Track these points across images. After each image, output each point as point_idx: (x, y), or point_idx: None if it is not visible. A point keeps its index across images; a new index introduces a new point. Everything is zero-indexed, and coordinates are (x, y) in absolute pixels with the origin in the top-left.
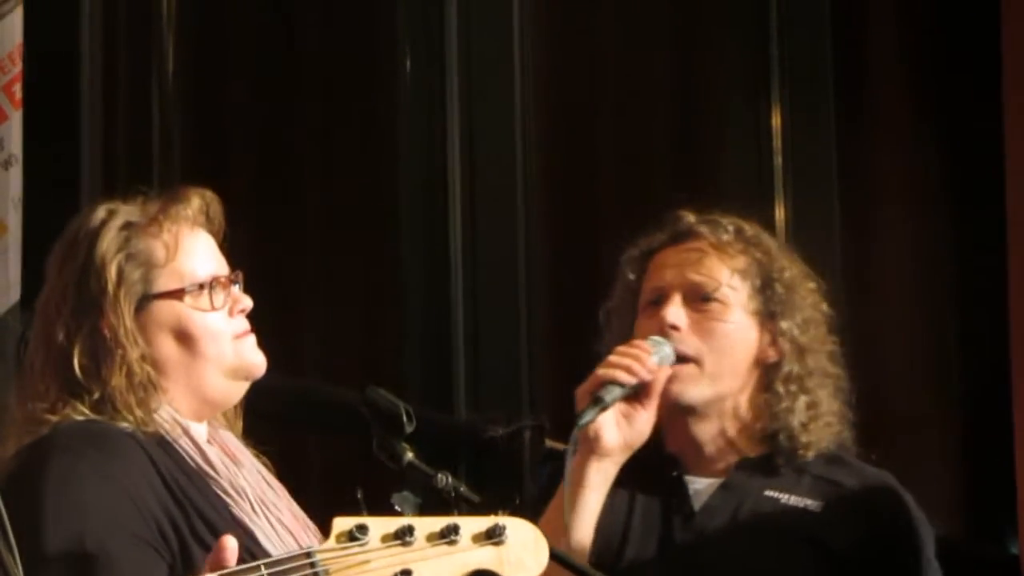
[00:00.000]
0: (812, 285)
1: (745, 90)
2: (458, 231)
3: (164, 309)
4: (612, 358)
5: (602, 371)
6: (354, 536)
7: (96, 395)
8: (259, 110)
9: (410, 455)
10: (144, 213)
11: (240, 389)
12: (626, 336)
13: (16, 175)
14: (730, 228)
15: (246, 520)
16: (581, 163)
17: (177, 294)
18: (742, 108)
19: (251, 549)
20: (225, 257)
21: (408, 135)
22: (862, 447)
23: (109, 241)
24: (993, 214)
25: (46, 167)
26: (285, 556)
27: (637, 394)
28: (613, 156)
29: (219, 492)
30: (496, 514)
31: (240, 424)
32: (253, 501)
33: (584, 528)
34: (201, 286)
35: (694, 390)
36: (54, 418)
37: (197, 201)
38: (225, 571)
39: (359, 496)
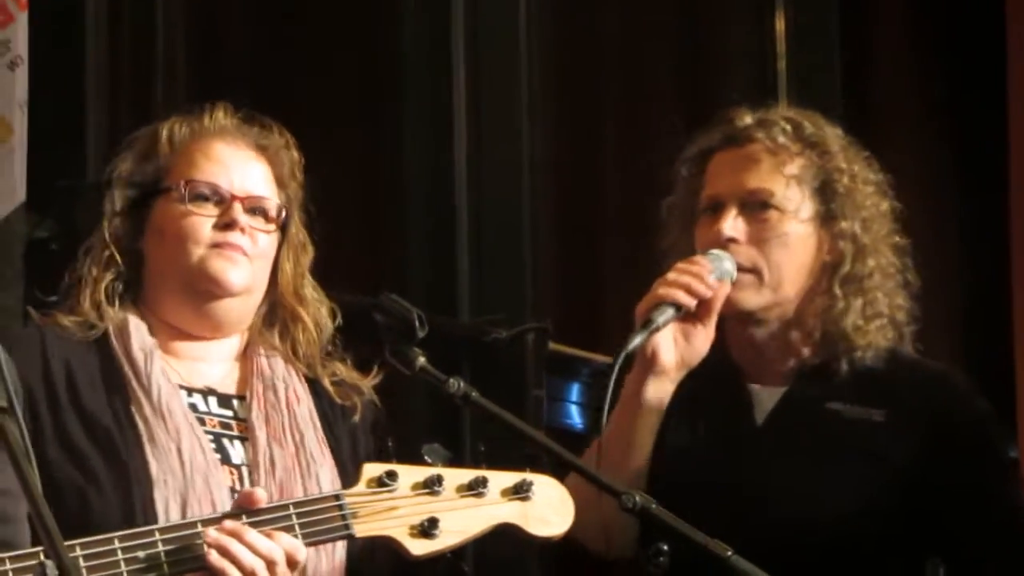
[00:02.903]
0: (874, 180)
1: None
2: (463, 134)
3: (157, 207)
4: (671, 276)
5: (662, 290)
6: (383, 483)
7: (69, 286)
8: (265, 20)
9: (422, 360)
10: (179, 121)
11: (205, 307)
12: (688, 238)
13: (22, 77)
14: (787, 128)
15: (136, 416)
16: (585, 63)
17: (166, 192)
18: (746, 12)
19: (126, 438)
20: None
21: (413, 40)
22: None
23: (132, 138)
24: (996, 121)
25: (52, 69)
26: (314, 498)
27: (696, 311)
28: (616, 56)
29: (128, 389)
30: (524, 470)
31: (327, 366)
32: (154, 400)
33: (641, 449)
34: (184, 186)
35: (753, 297)
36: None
37: (222, 117)
38: (253, 508)
39: (389, 445)
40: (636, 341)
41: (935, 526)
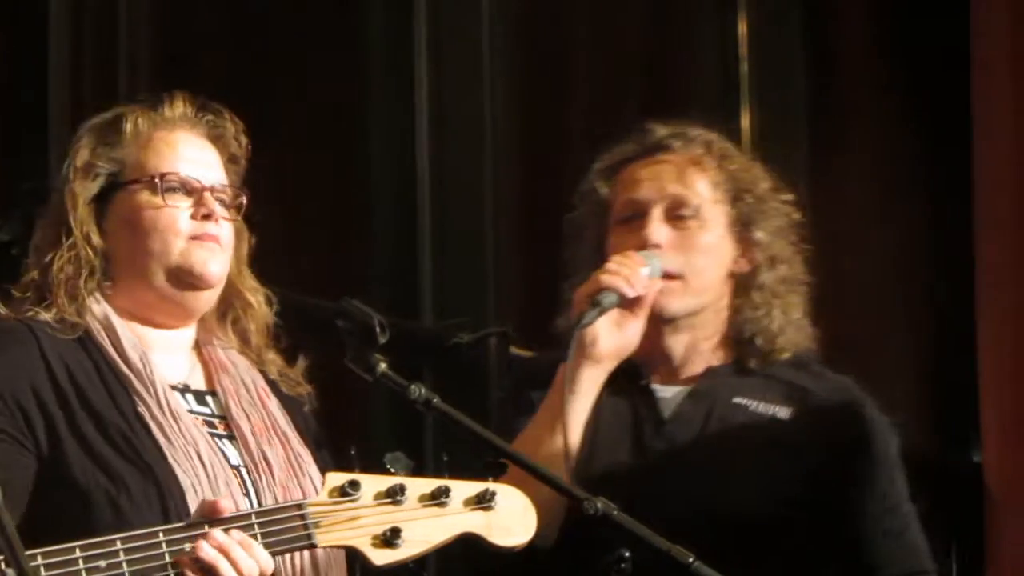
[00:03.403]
0: (783, 195)
1: None
2: (425, 138)
3: (122, 200)
4: (612, 266)
5: (604, 277)
6: (346, 492)
7: (37, 285)
8: (229, 15)
9: (383, 366)
10: (139, 111)
11: (183, 296)
12: (597, 248)
13: None
14: (702, 140)
15: (146, 417)
16: (550, 69)
17: (132, 185)
18: (709, 14)
19: (141, 440)
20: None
21: (377, 43)
22: (827, 355)
23: (89, 128)
24: (960, 123)
25: (13, 66)
26: (277, 507)
27: (629, 304)
28: (581, 62)
29: (131, 390)
30: (487, 480)
31: (271, 355)
32: (162, 402)
33: (573, 433)
34: (154, 179)
35: (678, 303)
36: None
37: (181, 107)
38: (215, 519)
39: (352, 453)
40: (589, 318)
41: (834, 524)
